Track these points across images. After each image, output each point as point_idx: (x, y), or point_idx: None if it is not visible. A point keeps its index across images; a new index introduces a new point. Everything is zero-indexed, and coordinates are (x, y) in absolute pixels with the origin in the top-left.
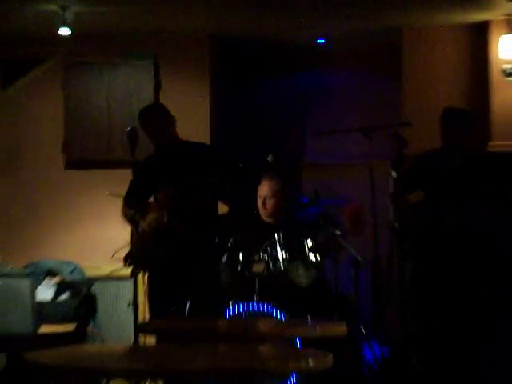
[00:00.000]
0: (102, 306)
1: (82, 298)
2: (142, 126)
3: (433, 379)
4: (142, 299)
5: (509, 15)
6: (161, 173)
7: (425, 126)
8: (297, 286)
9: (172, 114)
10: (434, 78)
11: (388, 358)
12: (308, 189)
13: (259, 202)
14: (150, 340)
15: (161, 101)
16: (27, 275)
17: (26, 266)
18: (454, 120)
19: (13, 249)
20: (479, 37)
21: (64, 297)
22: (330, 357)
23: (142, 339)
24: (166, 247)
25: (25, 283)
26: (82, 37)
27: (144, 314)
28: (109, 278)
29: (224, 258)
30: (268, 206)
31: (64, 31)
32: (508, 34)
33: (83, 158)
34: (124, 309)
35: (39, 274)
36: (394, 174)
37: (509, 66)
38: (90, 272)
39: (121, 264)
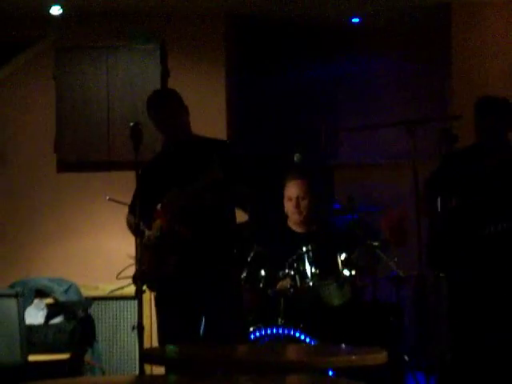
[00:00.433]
0: (102, 330)
1: (77, 321)
2: (149, 114)
3: None
4: (148, 322)
5: None
6: (170, 174)
7: None
8: (328, 306)
9: None
10: (487, 64)
11: None
12: (341, 193)
13: (290, 204)
14: (159, 370)
15: None
16: (14, 295)
17: (13, 285)
18: (493, 112)
19: None
20: None
21: (57, 320)
22: None
23: (148, 369)
24: (174, 257)
25: (11, 305)
26: (76, 16)
27: (151, 339)
28: (109, 298)
29: (243, 274)
30: (302, 208)
31: (55, 10)
32: None
33: (78, 158)
34: (127, 333)
35: (28, 294)
36: None
37: None
38: (87, 291)
39: (123, 282)
